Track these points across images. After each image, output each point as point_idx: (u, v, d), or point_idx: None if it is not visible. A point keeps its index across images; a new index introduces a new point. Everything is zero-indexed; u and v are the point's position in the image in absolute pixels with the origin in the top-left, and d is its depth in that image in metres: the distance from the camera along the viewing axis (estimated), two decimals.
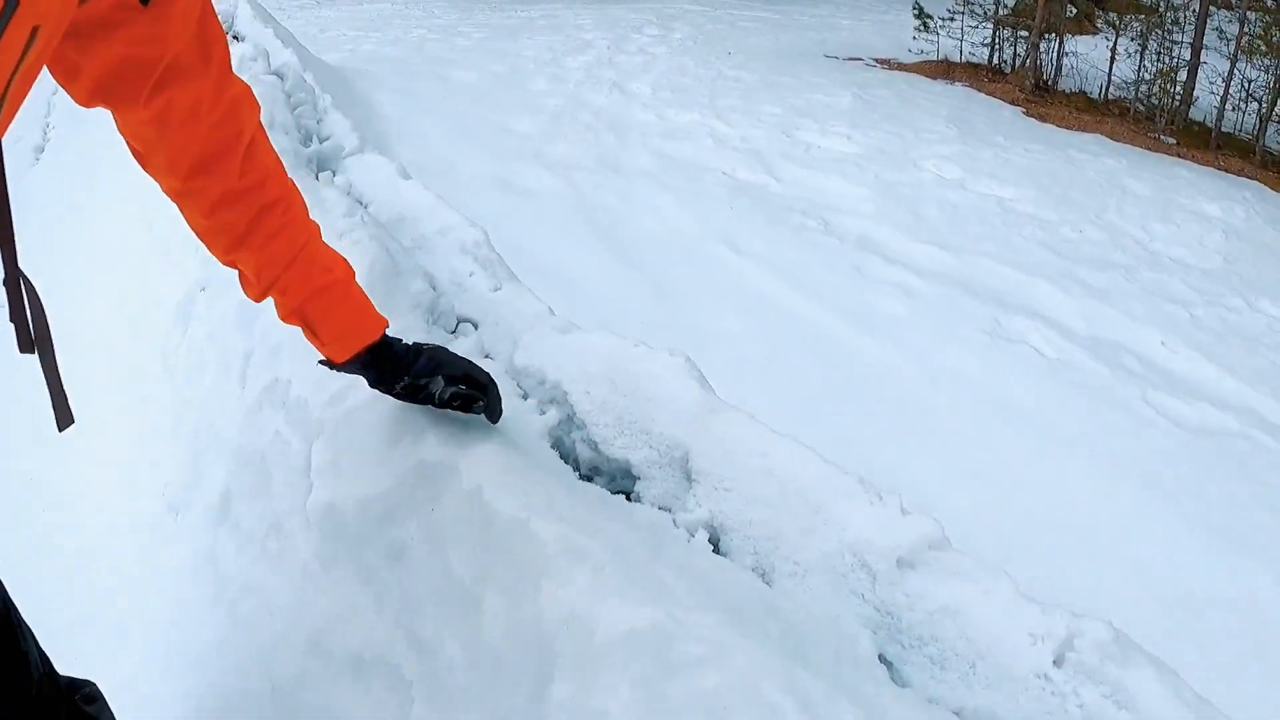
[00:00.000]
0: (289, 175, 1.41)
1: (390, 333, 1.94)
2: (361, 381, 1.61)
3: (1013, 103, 9.59)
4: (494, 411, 1.56)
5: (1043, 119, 9.06)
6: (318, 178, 2.99)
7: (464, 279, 2.36)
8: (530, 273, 4.25)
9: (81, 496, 2.53)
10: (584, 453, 1.77)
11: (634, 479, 1.68)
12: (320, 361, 1.46)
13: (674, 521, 1.57)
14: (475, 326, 2.20)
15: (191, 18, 1.08)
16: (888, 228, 5.61)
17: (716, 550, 1.56)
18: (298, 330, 1.41)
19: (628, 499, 1.67)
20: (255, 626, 1.78)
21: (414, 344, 1.55)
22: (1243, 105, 9.09)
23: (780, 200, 6.04)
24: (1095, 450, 3.67)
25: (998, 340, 4.32)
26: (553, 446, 1.76)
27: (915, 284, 4.83)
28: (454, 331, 2.14)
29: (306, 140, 3.45)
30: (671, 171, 6.22)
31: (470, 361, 1.57)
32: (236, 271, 1.39)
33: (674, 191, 5.80)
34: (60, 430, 1.19)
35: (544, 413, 1.82)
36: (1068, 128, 8.83)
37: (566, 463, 1.80)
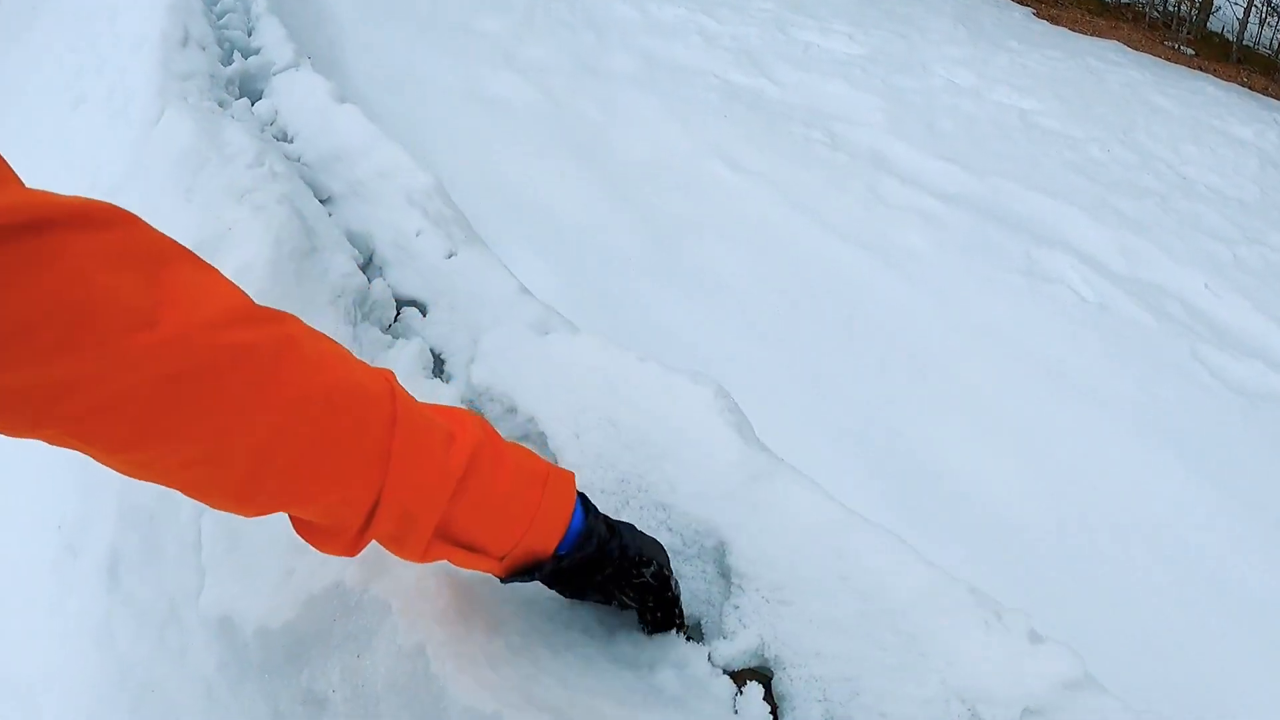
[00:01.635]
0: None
1: None
2: None
3: (1021, 1, 8.88)
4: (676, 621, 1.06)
5: (1055, 21, 8.39)
6: (236, 103, 2.38)
7: (409, 241, 1.81)
8: (500, 201, 3.68)
9: None
10: None
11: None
12: (509, 579, 0.89)
13: (710, 660, 1.07)
14: (423, 312, 1.65)
15: None
16: (901, 142, 5.03)
17: (767, 697, 1.07)
18: None
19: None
20: None
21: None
22: (1264, 16, 8.47)
23: (779, 107, 5.42)
24: (1146, 419, 3.21)
25: (1033, 281, 3.80)
26: None
27: (937, 210, 4.27)
28: (392, 326, 1.59)
29: (229, 57, 2.82)
30: (657, 74, 5.55)
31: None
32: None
33: (661, 97, 5.15)
34: None
35: None
36: (1082, 32, 8.17)
37: None
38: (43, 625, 1.80)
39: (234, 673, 1.22)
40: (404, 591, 0.96)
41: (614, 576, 0.93)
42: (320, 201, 1.96)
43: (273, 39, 3.03)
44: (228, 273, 1.60)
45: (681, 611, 1.04)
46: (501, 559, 0.84)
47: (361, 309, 1.54)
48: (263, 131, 2.30)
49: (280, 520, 1.18)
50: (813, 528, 1.13)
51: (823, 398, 2.93)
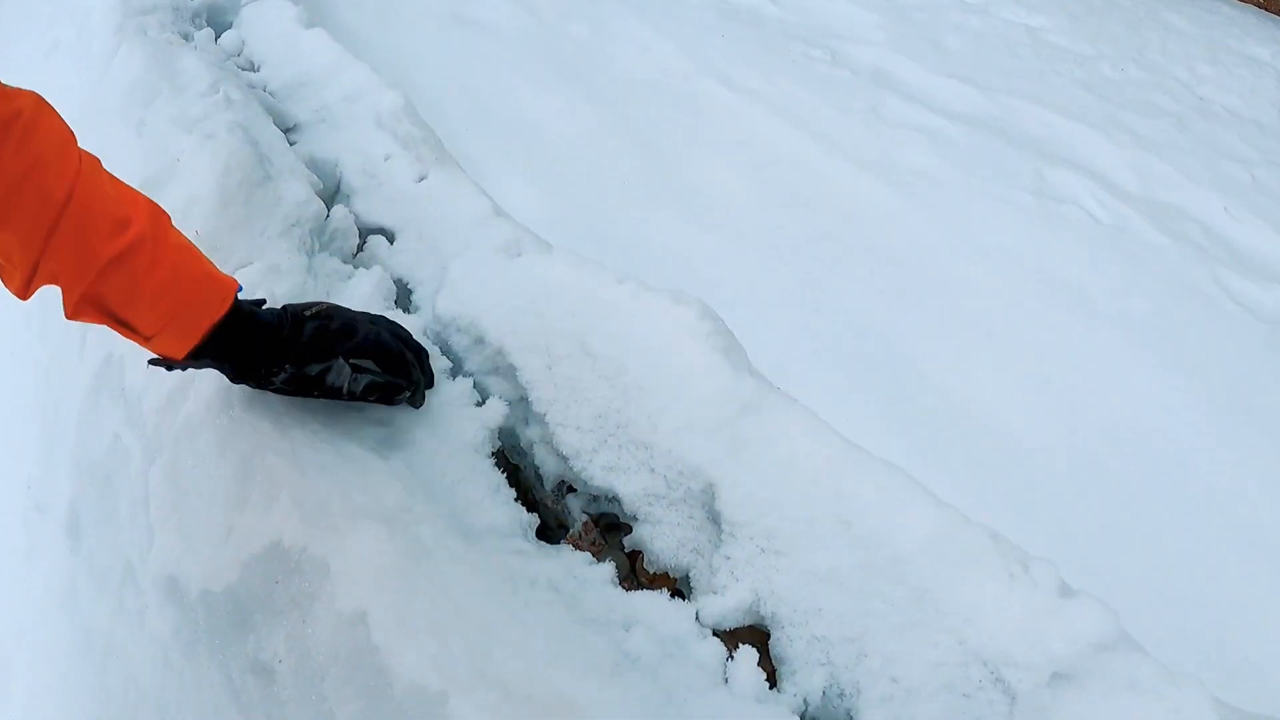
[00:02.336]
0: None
1: (255, 274, 1.27)
2: (206, 374, 1.01)
3: None
4: (420, 396, 1.11)
5: None
6: (199, 34, 2.22)
7: (378, 166, 1.66)
8: (487, 124, 3.50)
9: None
10: (548, 462, 1.13)
11: (632, 517, 1.05)
12: (152, 361, 0.97)
13: (697, 618, 0.95)
14: (390, 239, 1.51)
15: None
16: (905, 59, 4.81)
17: (764, 661, 0.95)
18: None
19: (623, 549, 1.05)
20: (126, 710, 1.32)
21: (288, 308, 1.04)
22: None
23: (779, 26, 5.19)
24: (1166, 346, 3.05)
25: (1044, 201, 3.63)
26: (496, 456, 1.11)
27: (943, 128, 4.09)
28: (357, 255, 1.45)
29: None
30: None
31: (376, 323, 1.07)
32: None
33: (653, 17, 4.93)
34: None
35: (482, 401, 1.16)
36: None
37: (521, 469, 1.17)
38: (13, 588, 1.74)
39: (187, 638, 1.12)
40: (343, 550, 0.84)
41: (297, 379, 1.01)
42: (285, 130, 1.81)
43: None
44: (175, 205, 1.46)
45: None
46: (149, 339, 0.90)
47: (320, 239, 1.39)
48: (226, 62, 2.14)
49: (214, 462, 1.06)
50: (811, 465, 1.00)
51: (825, 322, 2.79)
